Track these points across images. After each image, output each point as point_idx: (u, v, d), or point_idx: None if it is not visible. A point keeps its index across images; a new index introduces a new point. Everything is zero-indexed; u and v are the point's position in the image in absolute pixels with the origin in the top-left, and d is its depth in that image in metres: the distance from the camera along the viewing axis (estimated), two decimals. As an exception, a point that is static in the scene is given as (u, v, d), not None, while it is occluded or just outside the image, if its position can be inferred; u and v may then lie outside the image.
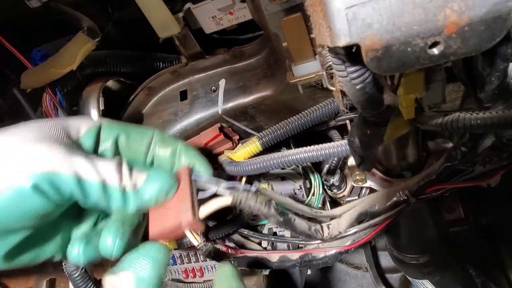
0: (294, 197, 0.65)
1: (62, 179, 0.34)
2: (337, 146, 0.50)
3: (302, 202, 0.65)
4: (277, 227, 0.67)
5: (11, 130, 0.38)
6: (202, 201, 0.43)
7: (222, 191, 0.43)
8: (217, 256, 0.65)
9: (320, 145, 0.52)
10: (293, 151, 0.53)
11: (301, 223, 0.52)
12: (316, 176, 0.64)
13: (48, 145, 0.35)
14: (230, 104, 0.72)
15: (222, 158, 0.60)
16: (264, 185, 0.65)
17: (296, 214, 0.53)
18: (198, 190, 0.44)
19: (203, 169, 0.46)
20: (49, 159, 0.34)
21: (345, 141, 0.49)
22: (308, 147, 0.52)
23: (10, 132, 0.37)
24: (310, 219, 0.56)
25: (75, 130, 0.40)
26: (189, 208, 0.40)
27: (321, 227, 0.53)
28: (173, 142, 0.46)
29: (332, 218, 0.57)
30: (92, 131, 0.41)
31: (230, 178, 0.59)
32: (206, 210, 0.43)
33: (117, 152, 0.43)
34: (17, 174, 0.33)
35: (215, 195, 0.44)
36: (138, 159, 0.44)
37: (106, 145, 0.42)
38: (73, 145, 0.38)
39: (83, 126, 0.41)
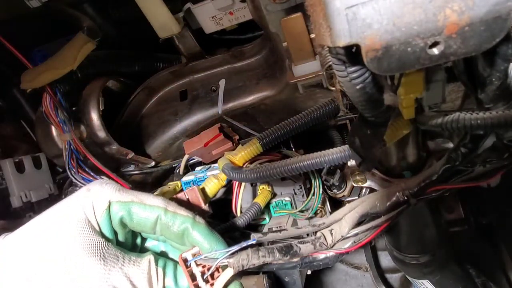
0: (294, 198, 0.65)
1: None
2: (340, 151, 0.50)
3: (302, 202, 0.65)
4: (277, 227, 0.67)
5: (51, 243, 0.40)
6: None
7: (222, 262, 0.44)
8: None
9: (323, 151, 0.52)
10: (296, 159, 0.53)
11: (306, 247, 0.52)
12: (316, 176, 0.64)
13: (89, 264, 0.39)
14: (230, 104, 0.72)
15: (223, 161, 0.60)
16: (263, 186, 0.64)
17: (300, 240, 0.53)
18: (200, 265, 0.45)
19: (211, 246, 0.46)
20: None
21: (347, 146, 0.50)
22: (311, 154, 0.52)
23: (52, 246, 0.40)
24: (314, 232, 0.56)
25: (93, 217, 0.43)
26: None
27: (325, 237, 0.53)
28: (180, 223, 0.45)
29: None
30: (105, 215, 0.44)
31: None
32: None
33: (125, 226, 0.46)
34: None
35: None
36: (146, 231, 0.47)
37: (114, 223, 0.45)
38: (105, 248, 0.41)
39: (97, 209, 0.44)
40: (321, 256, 0.54)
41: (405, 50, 0.24)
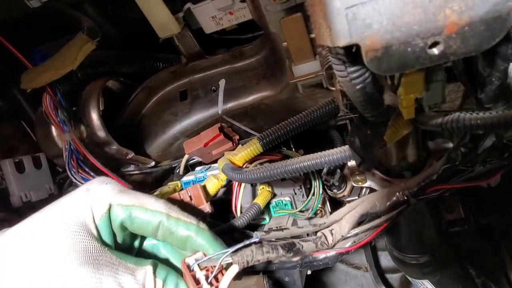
0: (294, 198, 0.65)
1: None
2: (340, 152, 0.50)
3: (302, 202, 0.65)
4: (277, 227, 0.67)
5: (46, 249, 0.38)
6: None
7: (226, 260, 0.44)
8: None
9: (323, 152, 0.52)
10: (296, 159, 0.53)
11: (308, 246, 0.52)
12: (316, 176, 0.64)
13: (90, 270, 0.38)
14: (230, 104, 0.72)
15: (223, 162, 0.60)
16: (263, 186, 0.64)
17: (302, 238, 0.53)
18: (203, 269, 0.45)
19: (215, 251, 0.45)
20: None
21: (347, 147, 0.50)
22: (311, 154, 0.52)
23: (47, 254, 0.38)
24: (314, 232, 0.56)
25: (91, 220, 0.41)
26: None
27: (325, 237, 0.53)
28: (184, 229, 0.44)
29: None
30: (105, 218, 0.42)
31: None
32: None
33: (125, 229, 0.44)
34: None
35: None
36: (147, 235, 0.45)
37: (114, 226, 0.43)
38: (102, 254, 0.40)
39: (96, 212, 0.42)
40: (321, 256, 0.54)
41: (405, 50, 0.24)
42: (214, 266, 0.44)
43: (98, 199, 0.42)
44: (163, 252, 0.49)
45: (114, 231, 0.43)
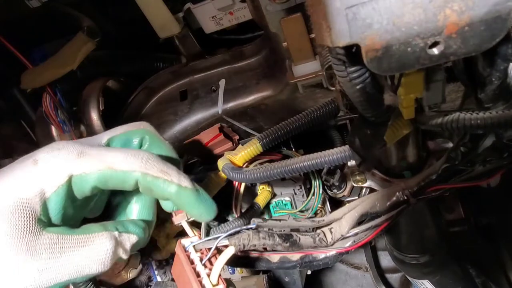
0: (294, 198, 0.65)
1: None
2: (340, 152, 0.50)
3: (302, 202, 0.65)
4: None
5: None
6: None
7: (222, 242, 0.44)
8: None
9: (323, 152, 0.52)
10: (296, 159, 0.53)
11: (306, 240, 0.52)
12: (316, 176, 0.64)
13: None
14: (230, 104, 0.72)
15: (223, 161, 0.60)
16: (263, 186, 0.64)
17: (300, 232, 0.53)
18: (199, 251, 0.44)
19: (200, 213, 0.41)
20: None
21: (347, 147, 0.50)
22: (311, 154, 0.52)
23: None
24: (313, 229, 0.56)
25: (39, 200, 0.34)
26: None
27: (324, 234, 0.53)
28: (163, 189, 0.38)
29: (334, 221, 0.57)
30: (61, 192, 0.35)
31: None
32: (216, 272, 0.43)
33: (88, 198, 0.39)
34: None
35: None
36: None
37: (77, 197, 0.37)
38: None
39: (48, 187, 0.34)
40: (321, 255, 0.54)
41: (405, 50, 0.24)
42: (210, 249, 0.44)
43: (50, 171, 0.35)
44: (135, 207, 0.44)
45: (75, 203, 0.37)
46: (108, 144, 0.41)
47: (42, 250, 0.33)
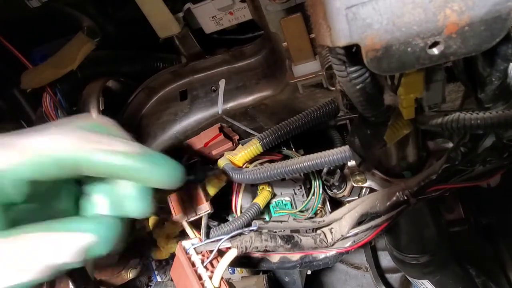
0: (294, 198, 0.65)
1: None
2: (340, 152, 0.50)
3: (302, 202, 0.65)
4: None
5: None
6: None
7: (225, 244, 0.43)
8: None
9: (323, 152, 0.52)
10: (297, 160, 0.53)
11: (307, 240, 0.52)
12: (316, 176, 0.64)
13: None
14: (230, 104, 0.72)
15: (223, 162, 0.60)
16: (263, 186, 0.65)
17: (301, 233, 0.53)
18: (200, 253, 0.44)
19: (161, 179, 0.34)
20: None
21: (347, 147, 0.50)
22: (311, 155, 0.52)
23: None
24: (314, 230, 0.56)
25: None
26: None
27: (325, 234, 0.53)
28: (106, 166, 0.32)
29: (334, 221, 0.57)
30: None
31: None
32: (218, 274, 0.42)
33: None
34: None
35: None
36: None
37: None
38: None
39: None
40: (321, 255, 0.54)
41: (405, 50, 0.24)
42: (211, 251, 0.43)
43: None
44: (102, 199, 0.37)
45: (15, 203, 0.32)
46: None
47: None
